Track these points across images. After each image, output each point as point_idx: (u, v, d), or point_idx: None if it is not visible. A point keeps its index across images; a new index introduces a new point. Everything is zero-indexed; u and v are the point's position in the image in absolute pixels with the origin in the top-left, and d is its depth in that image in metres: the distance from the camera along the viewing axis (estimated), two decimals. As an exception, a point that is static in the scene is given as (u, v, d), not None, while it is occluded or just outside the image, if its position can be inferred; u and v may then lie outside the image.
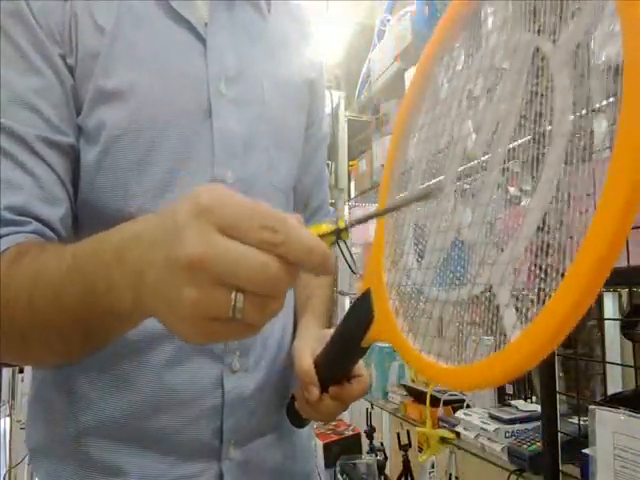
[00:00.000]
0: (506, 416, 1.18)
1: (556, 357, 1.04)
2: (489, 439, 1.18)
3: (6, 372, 2.59)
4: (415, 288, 0.43)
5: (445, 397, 1.42)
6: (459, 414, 1.31)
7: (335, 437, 2.09)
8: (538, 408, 1.11)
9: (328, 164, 0.96)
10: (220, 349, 0.60)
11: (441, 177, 0.43)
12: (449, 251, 0.41)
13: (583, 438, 0.88)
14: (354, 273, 2.03)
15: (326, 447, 2.03)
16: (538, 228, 0.31)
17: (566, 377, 1.20)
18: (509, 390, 1.36)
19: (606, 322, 1.20)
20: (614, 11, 0.27)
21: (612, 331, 1.21)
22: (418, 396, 1.57)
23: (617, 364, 1.19)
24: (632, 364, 1.13)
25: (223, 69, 0.61)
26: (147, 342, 0.57)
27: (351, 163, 2.39)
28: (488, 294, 0.34)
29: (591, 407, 0.84)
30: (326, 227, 0.36)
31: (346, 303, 2.30)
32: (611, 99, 0.26)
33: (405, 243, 0.47)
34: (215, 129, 0.60)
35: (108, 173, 0.57)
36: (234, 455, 0.61)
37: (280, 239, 0.31)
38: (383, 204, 0.51)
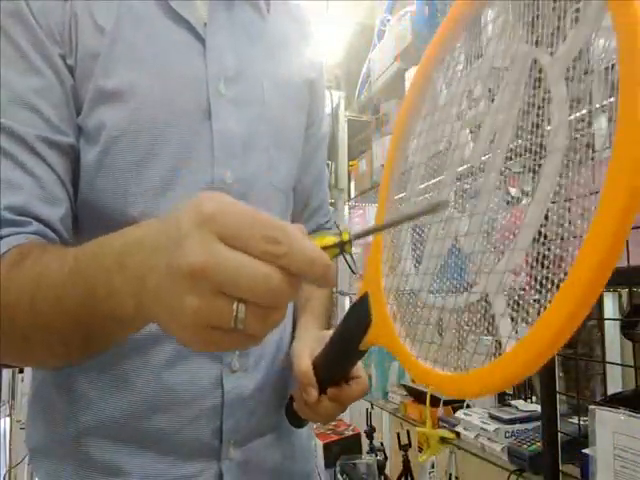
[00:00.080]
0: (506, 416, 1.18)
1: (556, 357, 1.05)
2: (489, 439, 1.18)
3: (6, 372, 2.59)
4: (412, 294, 0.43)
5: (445, 397, 1.42)
6: (459, 414, 1.31)
7: (335, 437, 2.09)
8: (538, 408, 1.11)
9: (328, 164, 0.96)
10: None
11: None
12: (446, 258, 0.41)
13: (583, 438, 0.88)
14: (354, 273, 2.03)
15: (326, 447, 2.03)
16: (534, 239, 0.31)
17: (566, 377, 1.20)
18: (509, 390, 1.36)
19: (606, 322, 1.20)
20: (610, 25, 0.28)
21: (612, 331, 1.21)
22: (418, 396, 1.57)
23: (617, 364, 1.19)
24: (632, 364, 1.13)
25: (222, 69, 0.61)
26: (148, 341, 0.57)
27: (351, 163, 2.39)
28: (484, 303, 0.34)
29: (591, 407, 0.84)
30: (329, 239, 0.36)
31: (346, 303, 2.29)
32: (606, 112, 0.26)
33: (403, 248, 0.47)
34: (214, 129, 0.60)
35: (108, 173, 0.57)
36: (234, 455, 0.61)
37: (283, 251, 0.31)
38: (382, 204, 0.51)
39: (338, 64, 2.62)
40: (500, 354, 0.31)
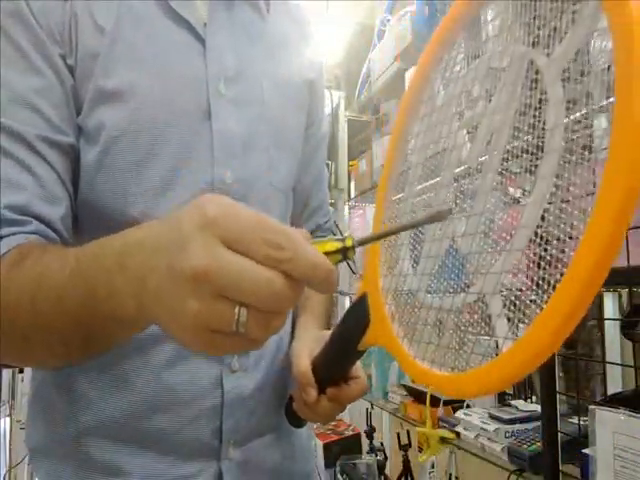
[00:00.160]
0: (506, 416, 1.18)
1: (556, 357, 1.05)
2: (489, 439, 1.18)
3: (6, 372, 2.59)
4: (410, 294, 0.44)
5: (445, 397, 1.42)
6: (459, 414, 1.31)
7: (335, 437, 2.09)
8: (538, 408, 1.11)
9: (328, 164, 0.96)
10: None
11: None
12: (444, 258, 0.41)
13: (583, 438, 0.88)
14: (354, 273, 2.03)
15: (326, 447, 2.03)
16: (530, 240, 0.31)
17: (566, 377, 1.20)
18: (509, 390, 1.36)
19: (606, 322, 1.20)
20: (607, 26, 0.28)
21: (612, 331, 1.21)
22: (418, 396, 1.57)
23: (617, 364, 1.19)
24: (632, 364, 1.13)
25: (222, 69, 0.61)
26: (148, 341, 0.57)
27: (351, 163, 2.38)
28: (481, 304, 0.34)
29: (591, 407, 0.84)
30: (332, 245, 0.35)
31: (346, 303, 2.29)
32: (603, 113, 0.27)
33: (401, 249, 0.47)
34: (214, 129, 0.60)
35: (108, 173, 0.57)
36: (233, 455, 0.61)
37: (286, 256, 0.31)
38: (381, 205, 0.51)
39: (338, 64, 2.62)
40: (497, 354, 0.31)
